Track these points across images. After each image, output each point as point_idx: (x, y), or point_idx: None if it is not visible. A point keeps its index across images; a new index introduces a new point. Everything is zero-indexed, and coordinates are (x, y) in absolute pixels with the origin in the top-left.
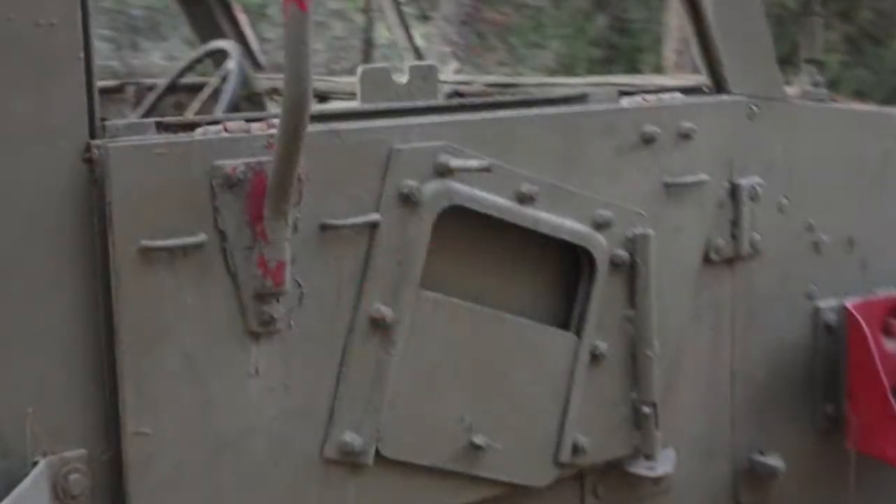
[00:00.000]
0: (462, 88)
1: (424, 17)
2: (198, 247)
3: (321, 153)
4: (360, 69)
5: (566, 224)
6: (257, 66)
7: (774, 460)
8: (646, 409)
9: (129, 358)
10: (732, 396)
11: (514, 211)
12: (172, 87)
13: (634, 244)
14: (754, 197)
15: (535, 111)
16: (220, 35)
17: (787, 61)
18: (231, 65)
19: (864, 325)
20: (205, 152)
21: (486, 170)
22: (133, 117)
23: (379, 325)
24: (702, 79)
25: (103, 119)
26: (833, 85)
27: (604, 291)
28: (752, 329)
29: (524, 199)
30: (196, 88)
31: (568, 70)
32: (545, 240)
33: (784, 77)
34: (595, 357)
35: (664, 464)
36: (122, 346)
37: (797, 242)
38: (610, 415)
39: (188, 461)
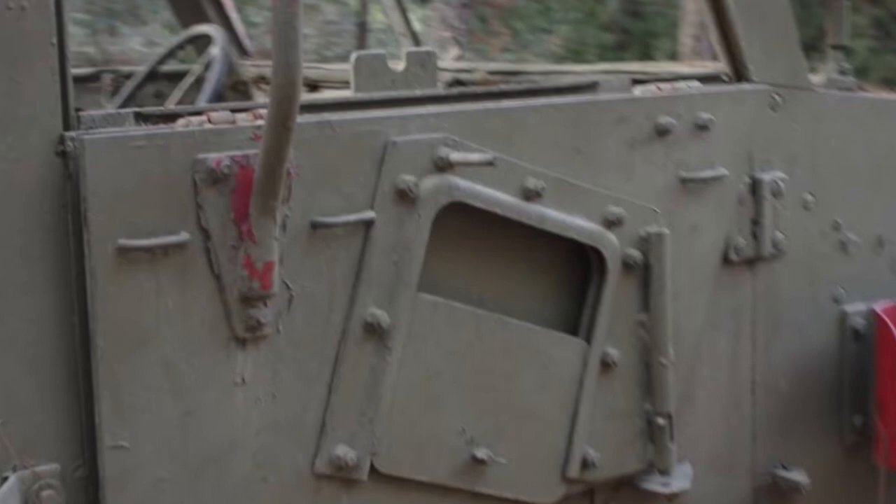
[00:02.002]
0: (463, 76)
1: (423, 0)
2: (179, 246)
3: (312, 146)
4: (353, 56)
5: (575, 222)
6: (243, 52)
7: (798, 475)
8: (660, 421)
9: (106, 366)
10: (753, 407)
11: (518, 208)
12: (152, 75)
13: (648, 243)
14: (777, 193)
15: (541, 101)
16: (204, 19)
17: (812, 47)
18: (215, 51)
19: (894, 330)
20: (187, 145)
21: (489, 164)
22: (110, 107)
23: (374, 331)
24: (720, 66)
25: (78, 109)
26: (861, 72)
27: (615, 294)
28: (774, 335)
29: (530, 194)
30: (178, 76)
31: (577, 57)
32: (552, 239)
33: (809, 64)
34: (606, 365)
35: (680, 479)
36: (98, 352)
37: (823, 242)
38: (622, 427)
39: (169, 477)
